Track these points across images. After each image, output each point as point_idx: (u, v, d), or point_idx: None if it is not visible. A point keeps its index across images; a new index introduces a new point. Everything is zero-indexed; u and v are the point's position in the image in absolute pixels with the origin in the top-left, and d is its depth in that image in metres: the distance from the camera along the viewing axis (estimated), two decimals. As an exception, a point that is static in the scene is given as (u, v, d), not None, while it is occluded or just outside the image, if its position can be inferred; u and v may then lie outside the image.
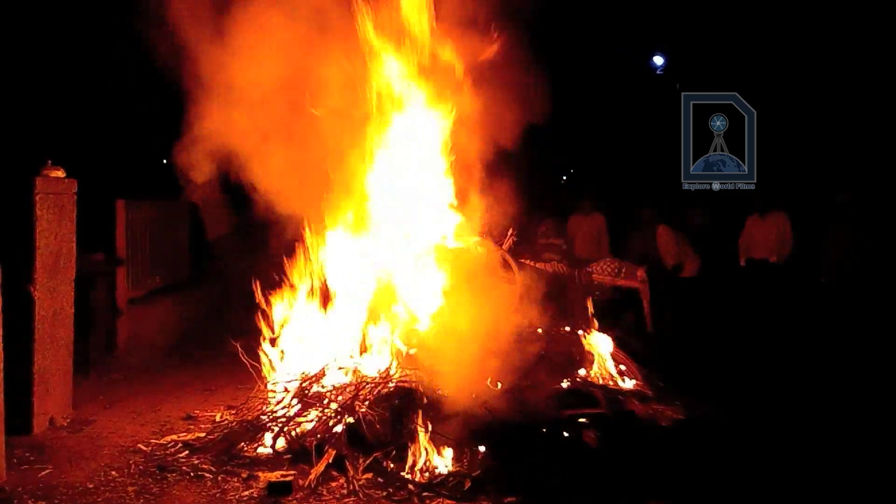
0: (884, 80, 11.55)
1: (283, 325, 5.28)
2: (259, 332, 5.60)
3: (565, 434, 4.50)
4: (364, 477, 4.05)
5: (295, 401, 4.74)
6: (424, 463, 4.18)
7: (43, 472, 4.09)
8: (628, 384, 5.47)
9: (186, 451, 4.44)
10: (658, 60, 15.22)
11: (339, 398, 4.64)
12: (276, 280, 5.37)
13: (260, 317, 5.30)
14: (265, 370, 5.21)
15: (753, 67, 12.21)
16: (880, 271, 7.76)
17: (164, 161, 9.71)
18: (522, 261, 6.81)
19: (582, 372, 5.40)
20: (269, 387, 5.12)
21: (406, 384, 4.69)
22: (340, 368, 5.01)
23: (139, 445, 4.56)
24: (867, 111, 11.90)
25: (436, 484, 4.00)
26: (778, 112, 10.84)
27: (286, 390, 4.87)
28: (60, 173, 4.99)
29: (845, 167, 10.84)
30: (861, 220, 7.89)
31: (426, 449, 4.23)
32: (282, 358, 5.27)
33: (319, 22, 5.27)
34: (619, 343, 5.72)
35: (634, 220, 8.72)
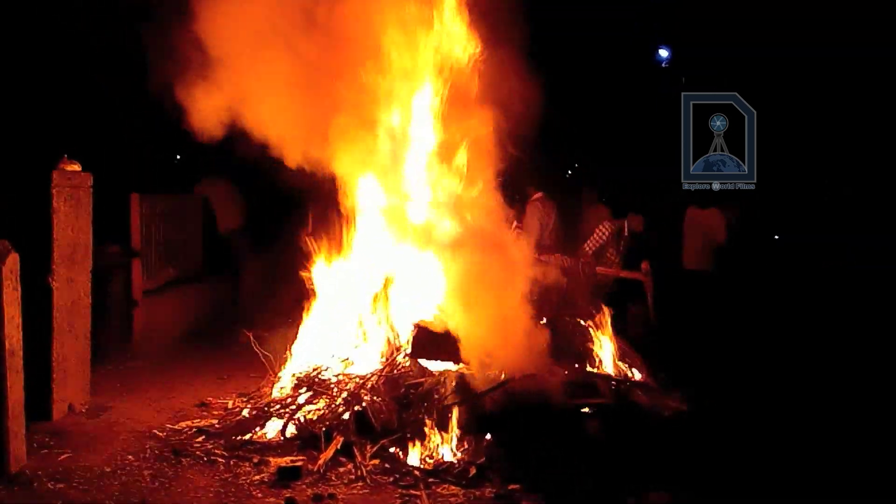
0: (883, 79, 11.46)
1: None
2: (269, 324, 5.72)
3: (570, 423, 4.57)
4: (371, 463, 4.15)
5: (304, 389, 4.85)
6: (430, 450, 4.29)
7: (62, 456, 4.22)
8: (632, 375, 5.54)
9: (201, 437, 4.57)
10: (663, 53, 15.10)
11: (347, 387, 4.76)
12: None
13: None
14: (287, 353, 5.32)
15: (754, 67, 12.13)
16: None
17: (178, 157, 9.86)
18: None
19: (587, 363, 5.47)
20: (280, 376, 5.24)
21: (412, 374, 4.79)
22: (347, 359, 5.12)
23: (154, 431, 4.69)
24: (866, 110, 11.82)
25: (441, 470, 4.10)
26: (778, 112, 10.77)
27: (296, 379, 4.99)
28: (76, 167, 5.10)
29: (844, 165, 10.76)
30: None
31: (432, 437, 4.33)
32: (292, 348, 5.39)
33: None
34: (624, 335, 5.78)
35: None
